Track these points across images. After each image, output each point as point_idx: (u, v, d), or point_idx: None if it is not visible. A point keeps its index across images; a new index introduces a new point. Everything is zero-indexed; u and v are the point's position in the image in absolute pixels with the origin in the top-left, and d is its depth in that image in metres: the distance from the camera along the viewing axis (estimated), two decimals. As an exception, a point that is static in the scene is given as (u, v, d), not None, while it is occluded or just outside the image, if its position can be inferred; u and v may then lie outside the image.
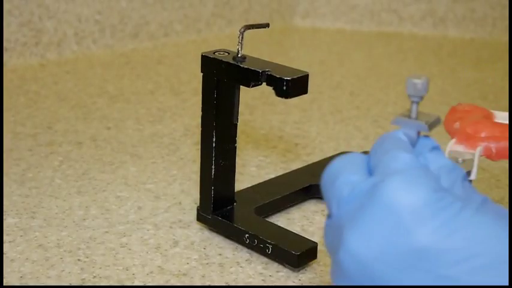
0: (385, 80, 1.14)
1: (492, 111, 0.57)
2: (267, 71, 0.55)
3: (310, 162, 0.77)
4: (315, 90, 1.04)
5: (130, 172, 0.75)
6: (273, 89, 0.55)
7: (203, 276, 0.57)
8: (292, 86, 0.54)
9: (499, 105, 1.03)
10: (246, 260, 0.60)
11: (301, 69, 0.56)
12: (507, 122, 0.56)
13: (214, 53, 0.59)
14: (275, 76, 0.55)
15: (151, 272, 0.57)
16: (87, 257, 0.59)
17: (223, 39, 1.31)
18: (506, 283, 0.32)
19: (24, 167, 0.75)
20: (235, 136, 0.62)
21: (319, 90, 1.05)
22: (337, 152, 0.78)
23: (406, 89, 0.40)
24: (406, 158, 0.37)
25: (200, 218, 0.63)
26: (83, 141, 0.83)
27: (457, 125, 0.54)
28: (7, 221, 0.64)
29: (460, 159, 0.48)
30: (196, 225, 0.65)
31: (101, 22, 1.19)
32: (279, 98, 0.55)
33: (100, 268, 0.57)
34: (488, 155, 0.51)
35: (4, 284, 0.54)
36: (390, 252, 0.34)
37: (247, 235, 0.60)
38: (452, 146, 0.50)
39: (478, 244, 0.33)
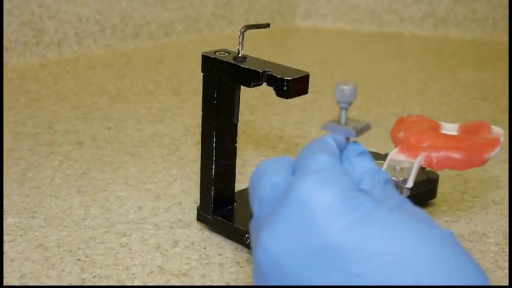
0: (386, 81, 1.14)
1: (440, 122, 0.59)
2: (268, 71, 0.55)
3: (310, 162, 0.77)
4: (316, 90, 1.04)
5: (131, 172, 0.75)
6: (274, 89, 0.55)
7: (203, 276, 0.57)
8: (292, 86, 0.54)
9: (500, 105, 1.03)
10: (246, 260, 0.60)
11: (302, 69, 0.56)
12: (453, 133, 0.57)
13: (214, 53, 0.59)
14: (276, 76, 0.55)
15: (151, 272, 0.57)
16: (87, 257, 0.59)
17: (223, 40, 1.31)
18: (411, 281, 0.33)
19: (25, 167, 0.75)
20: (236, 136, 0.62)
21: (319, 91, 1.05)
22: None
23: (335, 95, 0.41)
24: (324, 159, 0.38)
25: (200, 218, 0.63)
26: (83, 141, 0.83)
27: (401, 134, 0.55)
28: (7, 220, 0.64)
29: (397, 167, 0.49)
30: (197, 225, 0.65)
31: (101, 22, 1.20)
32: (280, 98, 0.55)
33: (100, 268, 0.57)
34: (429, 164, 0.53)
35: (4, 284, 0.54)
36: (301, 249, 0.35)
37: (247, 235, 0.60)
38: (394, 154, 0.52)
39: (386, 243, 0.34)
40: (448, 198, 0.72)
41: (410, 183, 0.49)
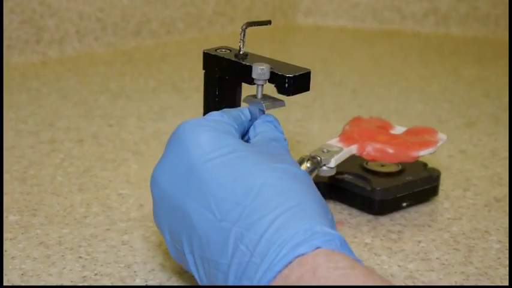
0: (388, 78, 1.14)
1: (394, 125, 0.67)
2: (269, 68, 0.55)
3: (312, 160, 0.77)
4: (317, 87, 1.04)
5: (132, 170, 0.75)
6: (275, 86, 0.55)
7: (205, 274, 0.57)
8: (294, 83, 0.54)
9: (502, 103, 1.03)
10: (248, 258, 0.60)
11: (303, 66, 0.56)
12: (397, 133, 0.66)
13: (216, 50, 0.59)
14: (277, 73, 0.55)
15: (152, 270, 0.57)
16: (89, 255, 0.59)
17: (225, 37, 1.31)
18: (252, 199, 0.42)
19: (26, 165, 0.75)
20: (237, 133, 0.62)
21: (321, 88, 1.05)
22: (339, 150, 0.78)
23: (252, 74, 0.51)
24: (215, 114, 0.48)
25: (202, 215, 0.63)
26: (85, 139, 0.83)
27: (346, 127, 0.65)
28: (8, 218, 0.64)
29: (325, 150, 0.60)
30: (198, 223, 0.64)
31: (102, 19, 1.19)
32: (281, 95, 0.55)
33: (101, 266, 0.57)
34: (360, 153, 0.62)
35: (5, 282, 0.54)
36: (175, 175, 0.45)
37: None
38: (332, 141, 0.62)
39: (239, 172, 0.43)
40: (450, 196, 0.72)
41: (332, 164, 0.58)
